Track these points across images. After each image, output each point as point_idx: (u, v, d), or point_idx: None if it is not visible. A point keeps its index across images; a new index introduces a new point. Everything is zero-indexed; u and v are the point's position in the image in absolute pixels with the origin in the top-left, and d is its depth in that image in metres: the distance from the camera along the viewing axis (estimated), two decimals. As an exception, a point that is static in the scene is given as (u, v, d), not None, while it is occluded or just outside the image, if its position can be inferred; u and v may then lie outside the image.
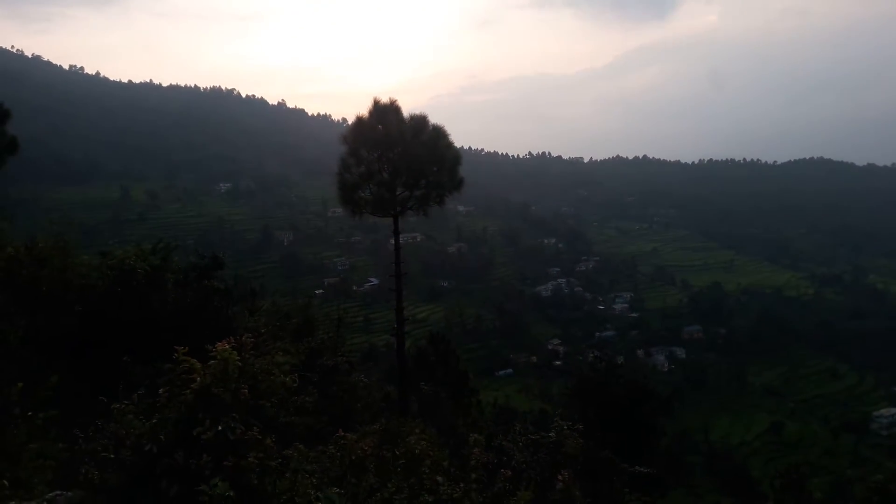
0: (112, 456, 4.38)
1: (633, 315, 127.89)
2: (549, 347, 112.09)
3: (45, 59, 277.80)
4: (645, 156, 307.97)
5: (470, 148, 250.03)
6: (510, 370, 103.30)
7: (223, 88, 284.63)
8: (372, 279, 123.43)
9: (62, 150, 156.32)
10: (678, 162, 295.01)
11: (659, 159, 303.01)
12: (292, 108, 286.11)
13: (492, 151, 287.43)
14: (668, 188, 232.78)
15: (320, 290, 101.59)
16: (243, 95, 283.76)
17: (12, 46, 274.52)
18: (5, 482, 3.86)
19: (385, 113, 17.84)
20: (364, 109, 18.17)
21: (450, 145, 19.17)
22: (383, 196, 18.32)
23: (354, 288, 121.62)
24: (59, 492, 4.72)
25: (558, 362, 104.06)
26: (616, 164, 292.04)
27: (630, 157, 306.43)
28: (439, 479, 6.54)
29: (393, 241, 19.33)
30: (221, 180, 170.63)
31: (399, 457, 6.66)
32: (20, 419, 4.59)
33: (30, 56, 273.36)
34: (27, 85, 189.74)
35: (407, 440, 7.64)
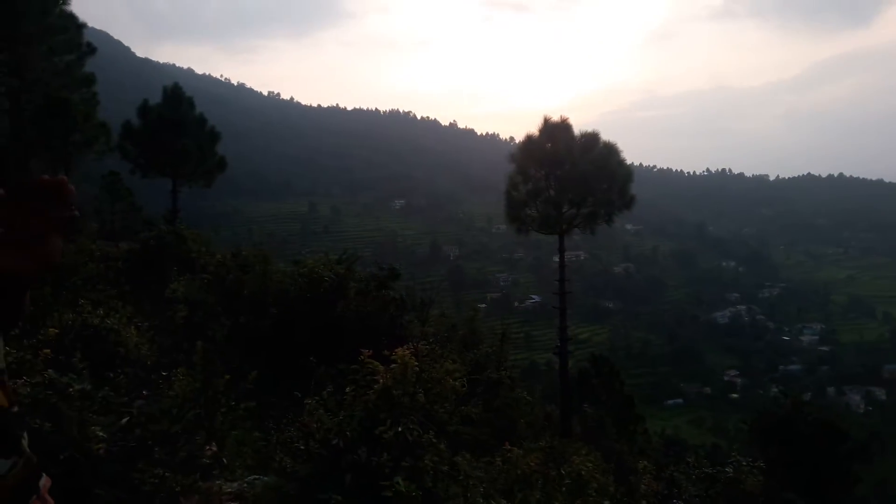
0: (302, 447, 4.77)
1: (824, 349, 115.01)
2: (725, 379, 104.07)
3: (249, 87, 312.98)
4: (841, 174, 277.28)
5: (641, 164, 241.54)
6: (680, 400, 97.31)
7: (400, 111, 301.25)
8: (534, 296, 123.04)
9: (260, 168, 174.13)
10: (881, 181, 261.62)
11: (857, 178, 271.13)
12: (462, 129, 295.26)
13: (664, 168, 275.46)
14: (866, 209, 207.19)
15: (483, 304, 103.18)
16: (418, 117, 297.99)
17: (221, 75, 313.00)
18: (224, 459, 4.37)
19: (554, 130, 17.86)
20: (532, 128, 18.33)
21: (621, 162, 18.76)
22: (549, 214, 18.31)
23: (516, 304, 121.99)
24: (256, 476, 5.21)
25: (735, 395, 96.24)
26: (806, 182, 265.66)
27: (823, 175, 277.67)
28: (606, 503, 6.36)
29: (557, 259, 19.19)
30: (396, 197, 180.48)
31: (565, 476, 6.58)
32: (226, 408, 5.12)
33: (235, 84, 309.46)
34: (233, 110, 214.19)
35: (572, 460, 7.53)
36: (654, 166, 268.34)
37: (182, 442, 3.69)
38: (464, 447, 6.60)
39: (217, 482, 4.32)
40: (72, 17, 20.61)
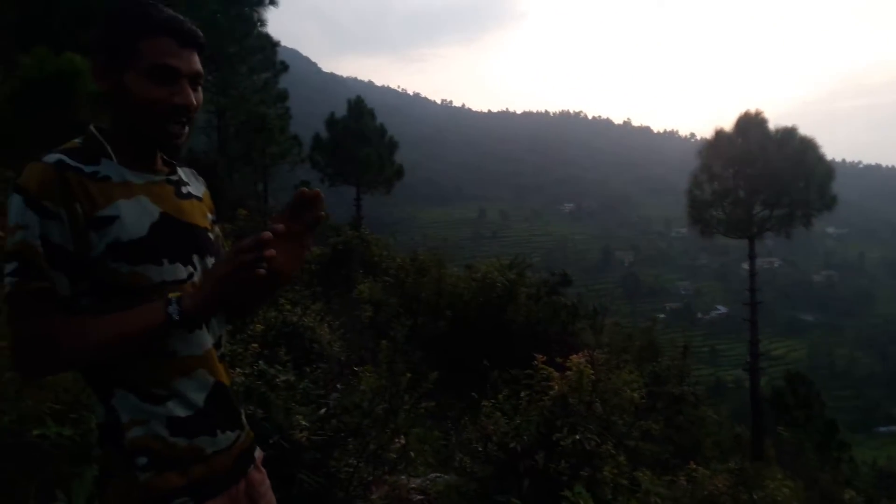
0: (481, 449, 4.85)
1: None
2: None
3: (423, 96, 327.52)
4: None
5: (844, 161, 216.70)
6: (894, 427, 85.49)
7: (571, 111, 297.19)
8: (719, 307, 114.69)
9: (434, 175, 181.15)
10: None
11: None
12: (637, 126, 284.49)
13: (872, 164, 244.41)
14: None
15: (662, 315, 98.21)
16: (589, 117, 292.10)
17: (398, 86, 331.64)
18: (411, 453, 4.58)
19: (747, 125, 16.60)
20: (717, 122, 17.15)
21: (820, 158, 17.01)
22: (739, 215, 17.01)
23: (699, 315, 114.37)
24: (437, 474, 5.38)
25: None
26: None
27: None
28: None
29: (747, 266, 17.78)
30: (566, 200, 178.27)
31: (758, 501, 6.05)
32: (408, 406, 5.35)
33: (411, 94, 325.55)
34: (407, 118, 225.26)
35: (765, 485, 6.90)
36: (860, 162, 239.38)
37: (372, 435, 3.93)
38: (643, 463, 6.32)
39: (402, 476, 4.53)
40: (267, 38, 22.67)
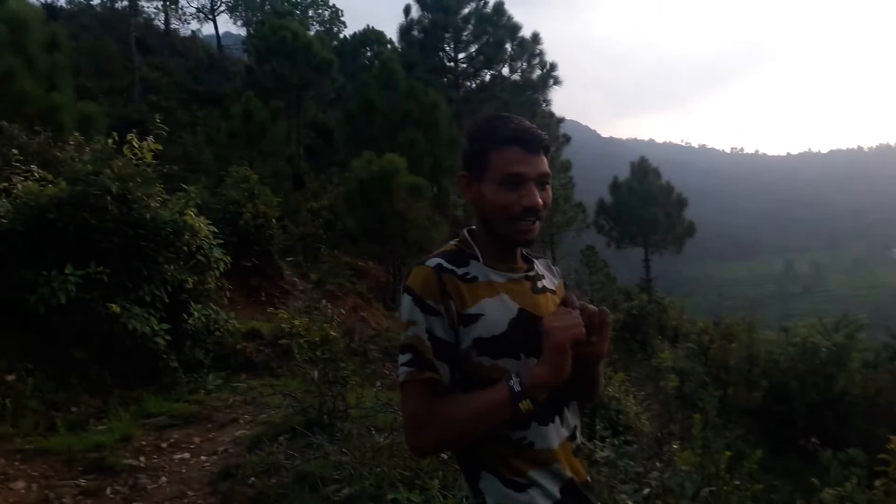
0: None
1: None
2: None
3: (710, 147, 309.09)
4: None
5: None
6: None
7: (891, 144, 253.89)
8: None
9: (727, 229, 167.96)
10: None
11: None
12: None
13: None
14: None
15: None
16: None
17: (682, 140, 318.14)
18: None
19: None
20: None
21: None
22: None
23: None
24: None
25: None
26: None
27: None
28: None
29: None
30: (892, 245, 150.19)
31: None
32: (730, 488, 4.92)
33: (696, 146, 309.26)
34: (694, 172, 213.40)
35: None
36: None
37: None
38: None
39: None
40: (551, 114, 24.13)
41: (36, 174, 6.60)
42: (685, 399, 9.17)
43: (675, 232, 27.40)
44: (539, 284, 1.60)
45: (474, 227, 1.63)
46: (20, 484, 4.28)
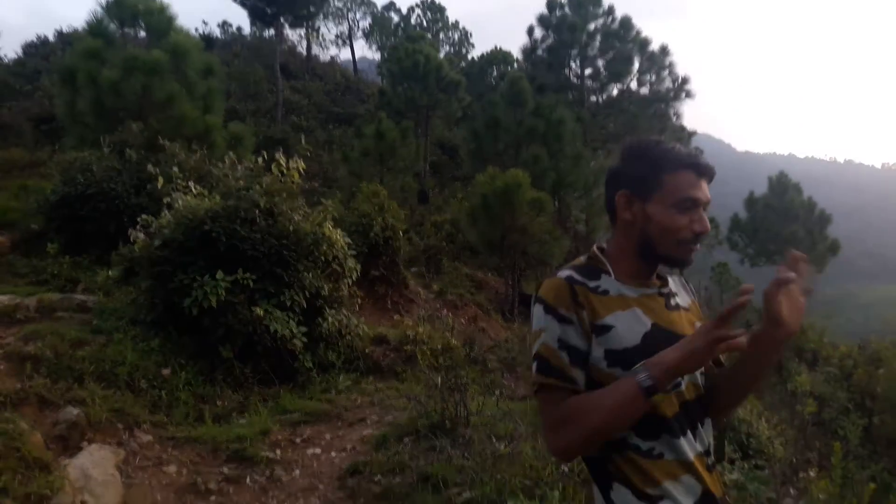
0: None
1: None
2: None
3: (857, 162, 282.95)
4: None
5: None
6: None
7: None
8: None
9: (876, 247, 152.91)
10: None
11: None
12: None
13: None
14: None
15: None
16: None
17: (826, 154, 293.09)
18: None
19: None
20: None
21: None
22: None
23: None
24: None
25: None
26: None
27: None
28: None
29: None
30: None
31: None
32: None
33: (842, 161, 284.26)
34: (839, 188, 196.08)
35: None
36: None
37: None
38: None
39: None
40: (682, 128, 23.37)
41: (193, 189, 7.32)
42: (824, 426, 8.54)
43: (817, 250, 25.51)
44: (673, 301, 1.61)
45: (604, 243, 1.65)
46: (172, 468, 4.73)
